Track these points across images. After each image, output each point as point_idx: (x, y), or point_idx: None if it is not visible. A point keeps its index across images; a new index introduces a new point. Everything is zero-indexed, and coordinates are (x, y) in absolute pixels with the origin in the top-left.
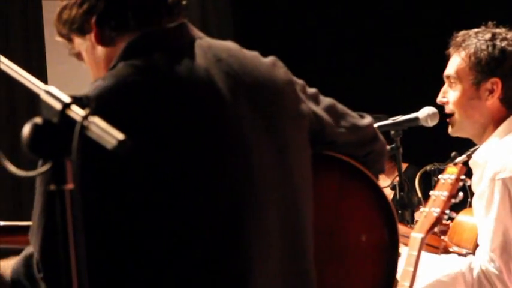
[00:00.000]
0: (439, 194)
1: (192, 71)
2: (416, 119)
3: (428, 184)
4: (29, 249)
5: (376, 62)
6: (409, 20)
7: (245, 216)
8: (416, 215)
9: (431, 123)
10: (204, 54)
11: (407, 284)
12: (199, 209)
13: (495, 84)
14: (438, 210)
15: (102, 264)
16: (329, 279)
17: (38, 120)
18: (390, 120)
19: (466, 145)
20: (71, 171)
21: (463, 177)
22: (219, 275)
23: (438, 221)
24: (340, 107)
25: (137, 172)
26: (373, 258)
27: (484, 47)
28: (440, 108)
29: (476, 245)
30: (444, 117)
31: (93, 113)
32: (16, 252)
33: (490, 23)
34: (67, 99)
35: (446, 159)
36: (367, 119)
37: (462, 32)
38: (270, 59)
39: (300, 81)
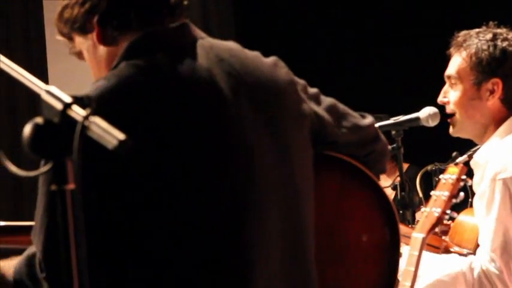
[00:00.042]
0: (440, 194)
1: (194, 71)
2: (417, 119)
3: (429, 184)
4: (31, 249)
5: (376, 62)
6: (409, 20)
7: (246, 217)
8: (417, 215)
9: (432, 123)
10: (206, 54)
11: (409, 284)
12: (200, 209)
13: (496, 84)
14: (439, 210)
15: (103, 264)
16: (330, 279)
17: (38, 120)
18: (391, 120)
19: (467, 145)
20: (72, 171)
21: (464, 177)
22: (220, 275)
23: (439, 221)
24: (342, 107)
25: (139, 172)
26: (374, 258)
27: (485, 47)
28: (441, 108)
29: (477, 245)
30: (445, 117)
31: (95, 113)
32: (17, 252)
33: (491, 23)
34: (68, 99)
35: (447, 159)
36: (368, 119)
37: (463, 32)
38: (272, 59)
39: (302, 81)
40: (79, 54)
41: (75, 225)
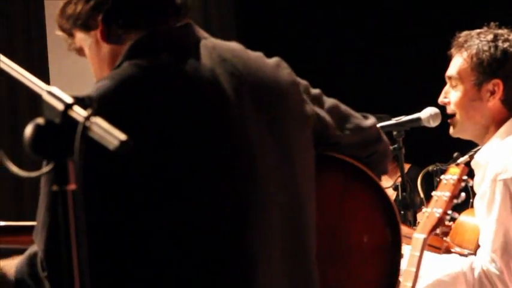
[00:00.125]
0: (441, 194)
1: (197, 71)
2: (419, 119)
3: (431, 185)
4: (32, 248)
5: (377, 62)
6: (410, 20)
7: (248, 217)
8: (419, 216)
9: (433, 123)
10: (209, 55)
11: (410, 284)
12: (202, 209)
13: (496, 85)
14: (440, 210)
15: (104, 264)
16: (331, 280)
17: (40, 120)
18: (392, 121)
19: (468, 145)
20: (73, 171)
21: (465, 177)
22: (222, 276)
23: (440, 221)
24: (344, 107)
25: (140, 172)
26: (375, 259)
27: (486, 48)
28: (442, 108)
29: (478, 246)
30: (446, 117)
31: (98, 113)
32: (18, 252)
33: (492, 23)
34: (69, 100)
35: (449, 159)
36: (370, 120)
37: (464, 33)
38: (274, 59)
39: (304, 82)
40: (79, 51)
41: (76, 225)
